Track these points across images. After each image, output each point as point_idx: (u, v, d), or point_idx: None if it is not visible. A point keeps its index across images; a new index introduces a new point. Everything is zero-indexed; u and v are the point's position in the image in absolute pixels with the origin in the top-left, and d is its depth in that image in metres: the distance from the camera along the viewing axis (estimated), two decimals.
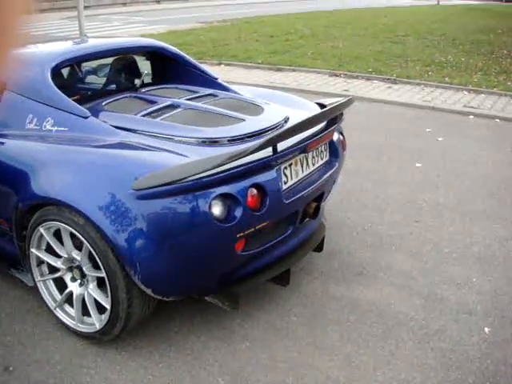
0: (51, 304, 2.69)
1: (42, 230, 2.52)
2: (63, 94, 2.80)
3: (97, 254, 2.34)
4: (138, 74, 3.71)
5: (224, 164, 2.23)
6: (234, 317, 2.82)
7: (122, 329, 2.47)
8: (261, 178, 2.43)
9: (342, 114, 3.08)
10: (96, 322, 2.53)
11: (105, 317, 2.48)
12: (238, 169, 2.32)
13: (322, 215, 3.33)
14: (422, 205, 4.22)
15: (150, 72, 3.80)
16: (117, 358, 2.52)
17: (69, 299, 2.65)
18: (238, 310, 2.68)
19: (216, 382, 2.38)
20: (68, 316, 2.66)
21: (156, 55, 3.73)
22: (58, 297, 2.67)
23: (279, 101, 3.45)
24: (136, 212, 2.27)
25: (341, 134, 3.25)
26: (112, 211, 2.28)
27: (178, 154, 2.45)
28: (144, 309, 2.49)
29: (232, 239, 2.37)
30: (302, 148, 2.63)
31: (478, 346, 2.60)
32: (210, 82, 3.65)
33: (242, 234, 2.38)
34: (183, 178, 2.20)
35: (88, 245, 2.35)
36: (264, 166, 2.45)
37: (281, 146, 2.47)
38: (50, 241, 2.54)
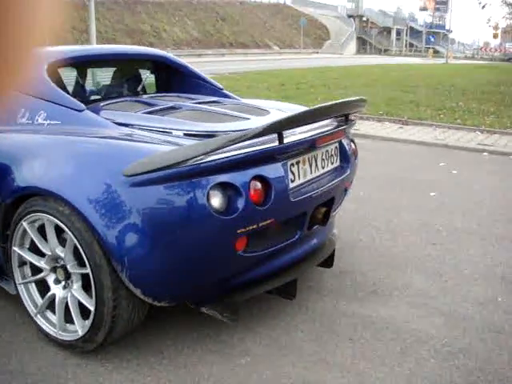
0: (32, 310, 2.43)
1: (25, 224, 2.31)
2: (57, 88, 2.65)
3: (82, 246, 2.11)
4: (140, 83, 3.59)
5: (224, 147, 2.04)
6: (234, 332, 2.54)
7: (107, 335, 2.20)
8: (265, 171, 2.22)
9: (352, 120, 2.92)
10: (79, 327, 2.26)
11: (88, 322, 2.21)
12: (241, 155, 2.12)
13: (332, 229, 3.09)
14: (438, 229, 3.96)
15: (154, 82, 3.67)
16: (100, 370, 2.24)
17: (51, 305, 2.39)
18: (237, 322, 2.41)
19: None
20: (49, 323, 2.39)
21: (160, 66, 3.61)
22: (40, 301, 2.41)
23: (287, 110, 3.29)
24: (126, 200, 2.05)
25: (352, 141, 3.06)
26: (99, 199, 2.08)
27: (174, 144, 2.26)
28: (132, 314, 2.23)
29: (232, 235, 2.14)
30: (310, 143, 2.44)
31: (510, 366, 2.29)
32: (215, 91, 3.52)
33: (243, 230, 2.15)
34: (180, 162, 2.00)
35: (73, 236, 2.13)
36: (269, 156, 2.25)
37: (287, 139, 2.29)
38: (33, 236, 2.32)
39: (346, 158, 2.89)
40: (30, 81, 2.77)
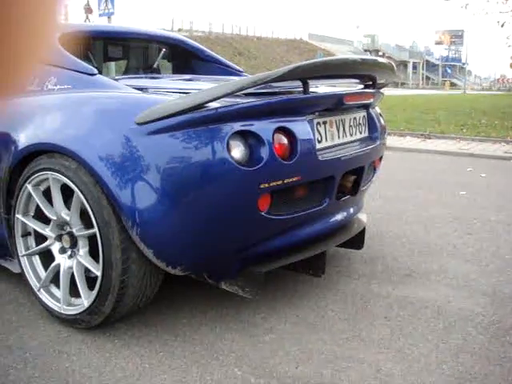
0: (35, 284, 2.22)
1: (29, 187, 2.12)
2: (67, 53, 2.50)
3: (88, 202, 1.91)
4: (154, 65, 3.45)
5: (247, 88, 1.86)
6: (256, 311, 2.30)
7: (115, 306, 1.98)
8: (290, 125, 2.02)
9: (380, 90, 2.74)
10: (84, 299, 2.04)
11: (95, 290, 2.00)
12: (263, 102, 1.94)
13: (360, 209, 2.85)
14: (472, 221, 3.69)
15: (169, 66, 3.54)
16: (107, 345, 2.00)
17: (55, 279, 2.18)
18: (259, 295, 2.18)
19: (232, 372, 1.84)
20: (53, 298, 2.18)
21: (176, 49, 3.47)
22: (44, 274, 2.21)
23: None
24: (137, 150, 1.87)
25: (381, 116, 2.86)
26: (108, 150, 1.89)
27: None
28: (143, 282, 2.00)
29: (254, 190, 1.92)
30: (338, 98, 2.25)
31: None
32: (236, 75, 3.36)
33: (266, 186, 1.93)
34: (196, 106, 1.81)
35: (79, 192, 1.93)
36: (293, 107, 2.06)
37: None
38: (38, 200, 2.13)
39: (375, 128, 2.68)
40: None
